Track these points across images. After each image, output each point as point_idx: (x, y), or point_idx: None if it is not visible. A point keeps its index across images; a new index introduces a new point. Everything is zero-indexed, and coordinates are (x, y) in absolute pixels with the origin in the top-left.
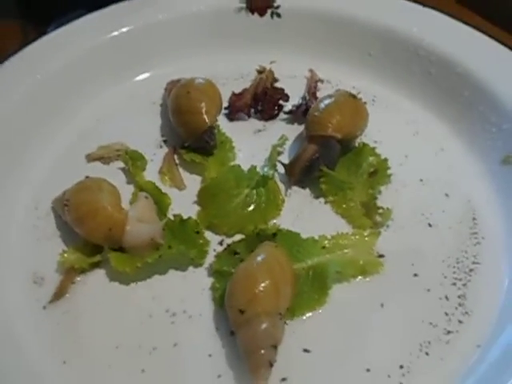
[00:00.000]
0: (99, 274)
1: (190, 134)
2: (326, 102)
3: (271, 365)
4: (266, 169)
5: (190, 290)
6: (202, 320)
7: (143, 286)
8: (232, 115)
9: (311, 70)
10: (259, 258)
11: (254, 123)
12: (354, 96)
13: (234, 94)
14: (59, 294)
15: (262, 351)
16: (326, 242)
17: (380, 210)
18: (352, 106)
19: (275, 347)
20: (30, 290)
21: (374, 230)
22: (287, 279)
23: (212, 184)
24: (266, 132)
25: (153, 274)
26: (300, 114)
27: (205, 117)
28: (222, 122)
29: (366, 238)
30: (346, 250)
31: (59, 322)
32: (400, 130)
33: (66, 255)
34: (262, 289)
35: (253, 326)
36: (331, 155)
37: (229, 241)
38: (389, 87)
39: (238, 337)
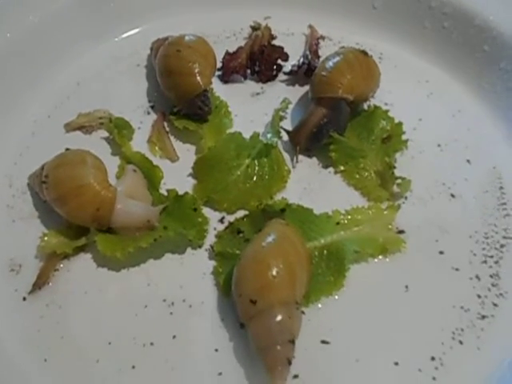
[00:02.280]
0: (85, 259)
1: (182, 99)
2: (334, 59)
3: (289, 362)
4: (268, 136)
5: (189, 275)
6: (204, 309)
7: (136, 271)
8: (226, 77)
9: (311, 26)
10: (269, 239)
11: (251, 85)
12: (364, 52)
13: (227, 54)
14: (40, 282)
15: (278, 347)
16: (341, 217)
17: (398, 180)
18: (363, 63)
19: (293, 342)
20: (6, 279)
21: (392, 203)
22: (302, 262)
23: (209, 154)
24: (265, 95)
25: (146, 258)
26: (302, 74)
27: (198, 79)
28: (216, 85)
29: (385, 212)
30: (362, 226)
31: (42, 314)
32: (412, 90)
33: (46, 239)
34: (275, 274)
35: (267, 318)
36: (340, 120)
37: (230, 218)
38: (397, 44)
39: (249, 330)
